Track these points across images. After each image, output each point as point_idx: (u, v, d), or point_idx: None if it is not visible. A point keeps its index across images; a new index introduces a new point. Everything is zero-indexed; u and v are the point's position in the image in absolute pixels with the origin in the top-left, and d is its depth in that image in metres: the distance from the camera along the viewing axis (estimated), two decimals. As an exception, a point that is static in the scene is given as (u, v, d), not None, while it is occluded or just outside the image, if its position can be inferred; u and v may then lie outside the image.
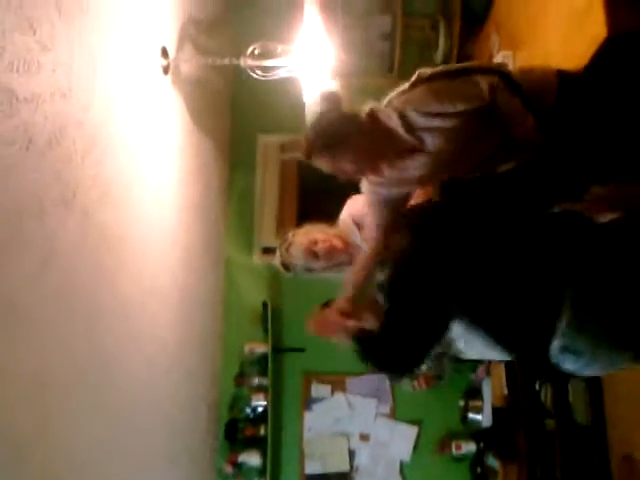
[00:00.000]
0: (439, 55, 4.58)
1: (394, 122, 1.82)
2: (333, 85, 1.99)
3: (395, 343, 1.64)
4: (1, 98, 1.43)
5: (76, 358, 1.77)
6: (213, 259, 4.13)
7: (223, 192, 4.42)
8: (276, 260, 2.50)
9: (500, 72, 1.89)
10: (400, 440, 4.11)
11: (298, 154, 1.97)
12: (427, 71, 1.90)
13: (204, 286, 3.86)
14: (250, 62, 2.86)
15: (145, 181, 2.59)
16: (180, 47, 3.10)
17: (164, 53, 2.83)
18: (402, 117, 1.81)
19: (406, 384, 4.03)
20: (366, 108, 1.90)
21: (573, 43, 2.31)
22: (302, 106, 3.23)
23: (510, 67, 2.99)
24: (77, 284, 1.78)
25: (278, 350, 4.22)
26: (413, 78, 1.91)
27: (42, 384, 1.56)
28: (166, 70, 2.87)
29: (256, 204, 4.52)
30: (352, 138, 1.81)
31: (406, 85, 1.92)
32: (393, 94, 1.95)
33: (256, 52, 2.87)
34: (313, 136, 1.87)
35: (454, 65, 1.90)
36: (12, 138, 1.48)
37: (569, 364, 1.57)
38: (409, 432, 4.12)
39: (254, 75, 2.87)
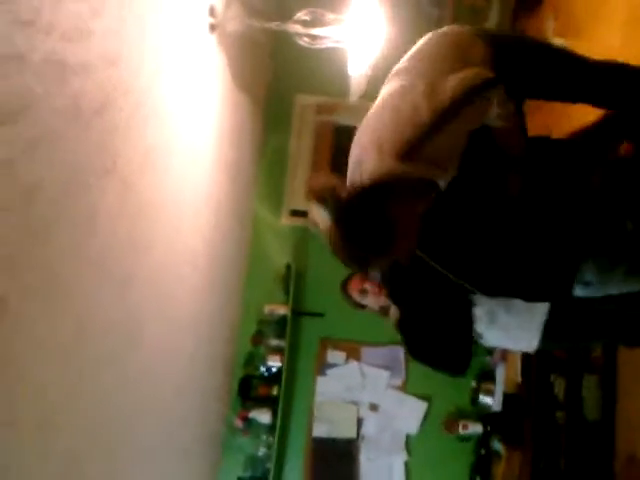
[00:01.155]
0: (490, 27, 4.43)
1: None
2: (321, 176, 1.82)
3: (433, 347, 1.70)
4: (53, 69, 1.41)
5: (109, 328, 1.80)
6: (241, 218, 4.15)
7: (256, 151, 4.39)
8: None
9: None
10: (408, 413, 4.18)
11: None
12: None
13: (230, 244, 3.88)
14: (298, 28, 2.80)
15: (184, 143, 2.58)
16: (228, 5, 3.03)
17: (212, 12, 2.77)
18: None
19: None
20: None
21: (635, 42, 2.22)
22: (345, 72, 3.17)
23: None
24: (115, 253, 1.79)
25: (298, 313, 4.26)
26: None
27: (75, 353, 1.60)
28: (213, 29, 2.81)
29: (289, 165, 4.50)
30: (392, 210, 1.46)
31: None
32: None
33: (305, 19, 2.80)
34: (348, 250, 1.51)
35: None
36: (62, 109, 1.47)
37: (580, 291, 1.66)
38: (418, 406, 4.18)
39: (301, 42, 2.80)
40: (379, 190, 1.45)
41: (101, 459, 1.95)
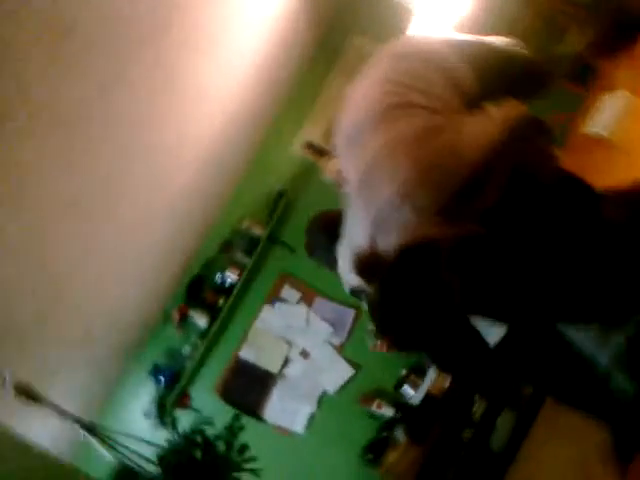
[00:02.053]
0: (558, 50, 4.30)
1: None
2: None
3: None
4: None
5: (99, 191, 1.77)
6: (257, 124, 4.08)
7: (297, 69, 4.27)
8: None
9: None
10: (334, 373, 4.25)
11: None
12: None
13: (235, 146, 3.83)
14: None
15: (235, 27, 2.49)
16: None
17: None
18: None
19: (369, 341, 4.11)
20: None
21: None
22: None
23: (621, 110, 2.77)
24: (126, 125, 1.75)
25: (272, 240, 4.26)
26: None
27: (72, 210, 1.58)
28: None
29: (321, 98, 4.38)
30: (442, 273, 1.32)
31: None
32: None
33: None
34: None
35: None
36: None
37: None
38: (345, 371, 4.25)
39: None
40: (428, 256, 1.31)
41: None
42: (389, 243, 1.36)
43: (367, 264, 1.42)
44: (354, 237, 1.49)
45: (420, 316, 1.34)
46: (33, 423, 2.52)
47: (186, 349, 4.17)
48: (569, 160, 2.85)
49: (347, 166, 1.54)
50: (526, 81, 1.63)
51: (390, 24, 3.82)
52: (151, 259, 3.30)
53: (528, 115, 1.38)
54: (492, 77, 1.55)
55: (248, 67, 3.12)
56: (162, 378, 4.10)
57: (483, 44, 1.61)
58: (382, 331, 1.46)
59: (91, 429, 2.46)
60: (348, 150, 1.52)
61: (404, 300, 1.32)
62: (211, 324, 4.13)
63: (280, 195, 4.25)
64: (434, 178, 1.30)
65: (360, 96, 1.52)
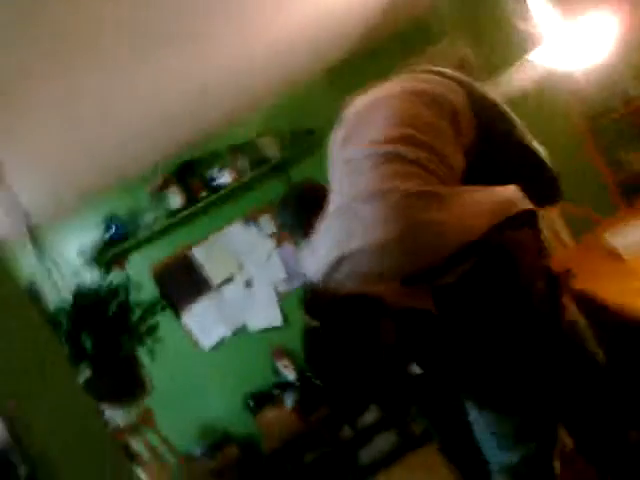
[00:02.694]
0: (621, 156, 4.34)
1: None
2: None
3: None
4: None
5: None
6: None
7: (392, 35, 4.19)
8: None
9: None
10: (263, 315, 4.27)
11: None
12: None
13: (311, 56, 3.78)
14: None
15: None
16: None
17: None
18: None
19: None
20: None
21: None
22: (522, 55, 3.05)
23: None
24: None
25: (281, 169, 4.18)
26: None
27: None
28: None
29: (396, 69, 4.29)
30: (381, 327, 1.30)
31: None
32: None
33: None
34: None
35: None
36: None
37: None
38: (275, 319, 4.27)
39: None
40: (374, 306, 1.28)
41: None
42: (343, 283, 1.33)
43: (315, 292, 1.39)
44: (316, 250, 1.43)
45: (350, 354, 1.31)
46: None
47: (148, 218, 4.11)
48: (577, 256, 2.89)
49: (334, 174, 1.50)
50: (537, 186, 1.56)
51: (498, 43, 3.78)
52: (169, 120, 3.25)
53: (524, 209, 1.32)
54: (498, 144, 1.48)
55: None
56: (113, 230, 4.04)
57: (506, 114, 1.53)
58: (308, 359, 1.41)
59: (33, 231, 2.42)
60: (346, 167, 1.47)
61: (340, 336, 1.29)
62: (183, 209, 4.07)
63: (309, 132, 4.16)
64: (412, 250, 1.28)
65: (373, 125, 1.47)
